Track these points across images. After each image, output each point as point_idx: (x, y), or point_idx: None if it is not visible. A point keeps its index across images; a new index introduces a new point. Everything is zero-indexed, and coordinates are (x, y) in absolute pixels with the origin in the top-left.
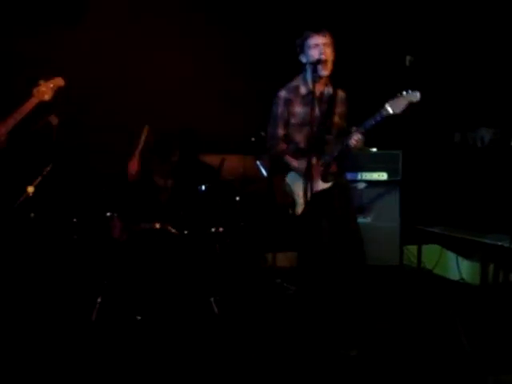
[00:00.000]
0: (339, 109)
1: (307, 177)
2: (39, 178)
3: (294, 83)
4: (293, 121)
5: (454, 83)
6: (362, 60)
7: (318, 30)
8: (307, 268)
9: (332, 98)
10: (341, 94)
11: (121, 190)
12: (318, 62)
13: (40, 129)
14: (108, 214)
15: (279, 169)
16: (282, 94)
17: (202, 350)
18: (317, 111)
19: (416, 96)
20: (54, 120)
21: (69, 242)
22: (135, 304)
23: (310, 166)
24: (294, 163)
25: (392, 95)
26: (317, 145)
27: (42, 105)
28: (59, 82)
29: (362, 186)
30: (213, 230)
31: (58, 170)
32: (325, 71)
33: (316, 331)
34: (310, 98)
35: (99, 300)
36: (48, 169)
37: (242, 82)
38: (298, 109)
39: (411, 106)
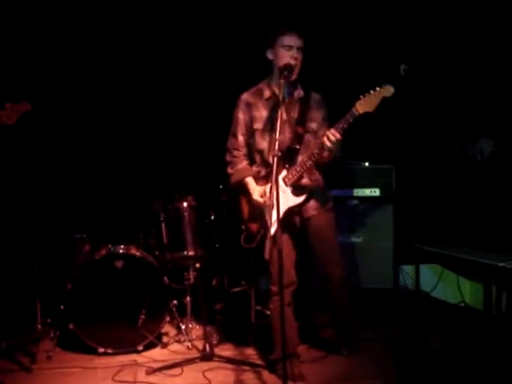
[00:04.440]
0: (316, 114)
1: (271, 195)
2: None
3: (258, 86)
4: (255, 126)
5: (450, 92)
6: (354, 68)
7: (294, 30)
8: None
9: (304, 102)
10: (316, 96)
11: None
12: (286, 67)
13: None
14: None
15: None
16: (244, 96)
17: None
18: (284, 116)
19: (389, 90)
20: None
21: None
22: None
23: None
24: (255, 195)
25: (363, 92)
26: (283, 154)
27: None
28: (26, 106)
29: (353, 202)
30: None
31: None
32: (292, 77)
33: None
34: (273, 102)
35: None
36: None
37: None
38: (261, 113)
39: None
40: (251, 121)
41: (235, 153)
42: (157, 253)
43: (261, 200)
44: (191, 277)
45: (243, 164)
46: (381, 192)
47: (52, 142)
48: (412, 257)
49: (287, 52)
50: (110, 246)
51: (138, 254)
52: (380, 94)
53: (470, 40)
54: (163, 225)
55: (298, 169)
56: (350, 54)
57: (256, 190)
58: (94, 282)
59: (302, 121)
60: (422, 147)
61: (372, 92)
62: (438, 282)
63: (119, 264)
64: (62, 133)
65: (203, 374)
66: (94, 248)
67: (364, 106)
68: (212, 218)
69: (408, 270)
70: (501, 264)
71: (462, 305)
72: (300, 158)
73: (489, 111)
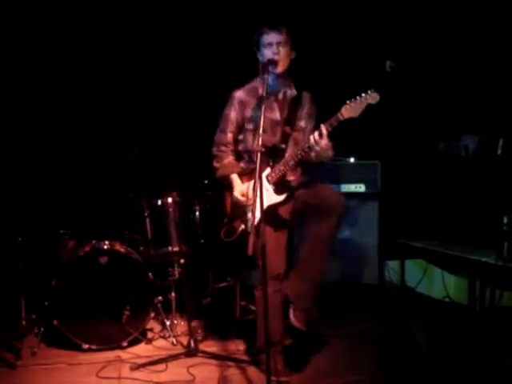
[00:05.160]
0: (305, 111)
1: (255, 192)
2: None
3: (253, 84)
4: (246, 126)
5: (435, 88)
6: (339, 65)
7: (273, 27)
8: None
9: (296, 102)
10: (305, 95)
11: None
12: (270, 62)
13: None
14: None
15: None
16: (237, 94)
17: None
18: (277, 115)
19: (375, 97)
20: None
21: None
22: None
23: (260, 177)
24: (236, 192)
25: (349, 97)
26: (267, 151)
27: None
28: None
29: None
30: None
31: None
32: (277, 69)
33: None
34: (267, 100)
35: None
36: None
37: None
38: (254, 112)
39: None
40: (243, 120)
41: (222, 148)
42: (141, 249)
43: (241, 198)
44: (176, 273)
45: (229, 159)
46: (366, 188)
47: (35, 138)
48: (397, 252)
49: (268, 50)
50: (94, 241)
51: (122, 249)
52: (365, 101)
53: (454, 37)
54: (148, 220)
55: (281, 167)
56: (336, 50)
57: (238, 188)
58: (78, 278)
59: (291, 120)
60: (407, 143)
61: (358, 98)
62: (422, 277)
63: (103, 260)
64: (46, 128)
65: (188, 370)
66: (79, 244)
67: (349, 111)
68: (197, 213)
69: (393, 265)
70: (484, 259)
71: (447, 300)
72: (285, 157)
73: (473, 107)
